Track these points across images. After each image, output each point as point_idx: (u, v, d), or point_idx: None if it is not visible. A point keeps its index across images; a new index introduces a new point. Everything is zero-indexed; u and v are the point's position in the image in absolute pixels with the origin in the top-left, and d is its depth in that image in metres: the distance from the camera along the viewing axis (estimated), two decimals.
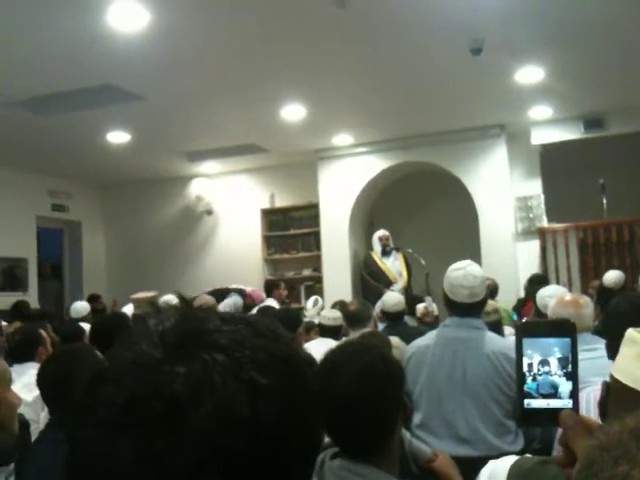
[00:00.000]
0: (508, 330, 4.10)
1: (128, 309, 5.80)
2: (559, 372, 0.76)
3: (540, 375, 0.76)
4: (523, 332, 0.78)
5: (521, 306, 6.16)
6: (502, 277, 6.61)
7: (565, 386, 0.76)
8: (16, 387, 2.34)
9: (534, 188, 7.74)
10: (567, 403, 0.76)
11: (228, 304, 6.54)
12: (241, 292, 6.98)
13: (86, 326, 4.34)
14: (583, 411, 0.84)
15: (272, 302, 6.67)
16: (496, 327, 3.66)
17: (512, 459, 1.28)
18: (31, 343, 3.55)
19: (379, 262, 7.79)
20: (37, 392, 2.50)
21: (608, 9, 4.56)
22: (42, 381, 2.23)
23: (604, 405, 1.04)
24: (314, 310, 5.95)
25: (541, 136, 7.56)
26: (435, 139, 7.68)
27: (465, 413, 2.62)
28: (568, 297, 3.03)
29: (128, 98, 5.86)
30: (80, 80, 5.39)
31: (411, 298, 5.97)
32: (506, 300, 6.24)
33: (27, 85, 5.47)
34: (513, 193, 7.72)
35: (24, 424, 2.28)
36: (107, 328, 3.36)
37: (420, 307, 5.65)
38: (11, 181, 8.22)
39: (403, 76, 5.78)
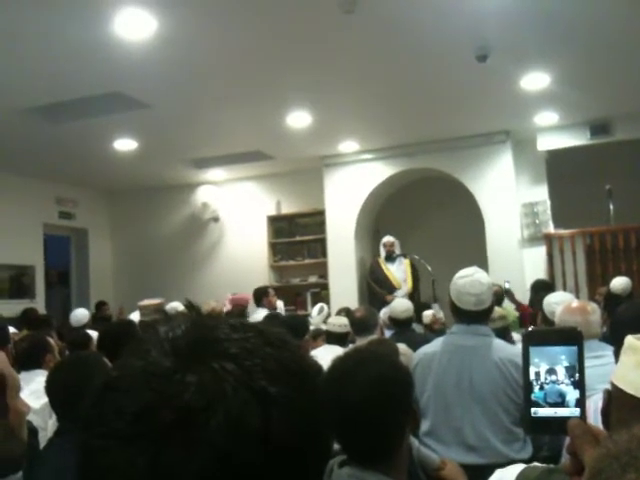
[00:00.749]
0: (516, 336, 4.09)
1: (135, 316, 5.79)
2: (566, 381, 0.76)
3: (547, 384, 0.76)
4: (530, 341, 0.78)
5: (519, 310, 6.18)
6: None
7: (572, 394, 0.76)
8: (24, 394, 2.33)
9: (540, 194, 7.71)
10: (574, 412, 0.76)
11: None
12: None
13: (93, 333, 4.34)
14: (591, 419, 0.83)
15: (262, 311, 6.35)
16: (503, 333, 3.65)
17: (519, 468, 1.28)
18: (39, 350, 3.55)
19: (384, 268, 7.79)
20: (45, 399, 2.51)
21: (613, 15, 4.55)
22: (51, 388, 2.24)
23: (606, 413, 1.04)
24: (319, 318, 5.89)
25: (547, 142, 7.54)
26: (441, 146, 7.68)
27: (473, 421, 2.61)
28: (575, 304, 3.02)
29: (135, 106, 5.88)
30: (87, 88, 5.42)
31: (418, 305, 5.95)
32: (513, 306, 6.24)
33: (35, 93, 5.50)
34: (519, 199, 7.69)
35: (32, 431, 2.29)
36: (115, 335, 3.36)
37: (428, 314, 5.63)
38: (19, 188, 8.27)
39: (409, 83, 5.78)
